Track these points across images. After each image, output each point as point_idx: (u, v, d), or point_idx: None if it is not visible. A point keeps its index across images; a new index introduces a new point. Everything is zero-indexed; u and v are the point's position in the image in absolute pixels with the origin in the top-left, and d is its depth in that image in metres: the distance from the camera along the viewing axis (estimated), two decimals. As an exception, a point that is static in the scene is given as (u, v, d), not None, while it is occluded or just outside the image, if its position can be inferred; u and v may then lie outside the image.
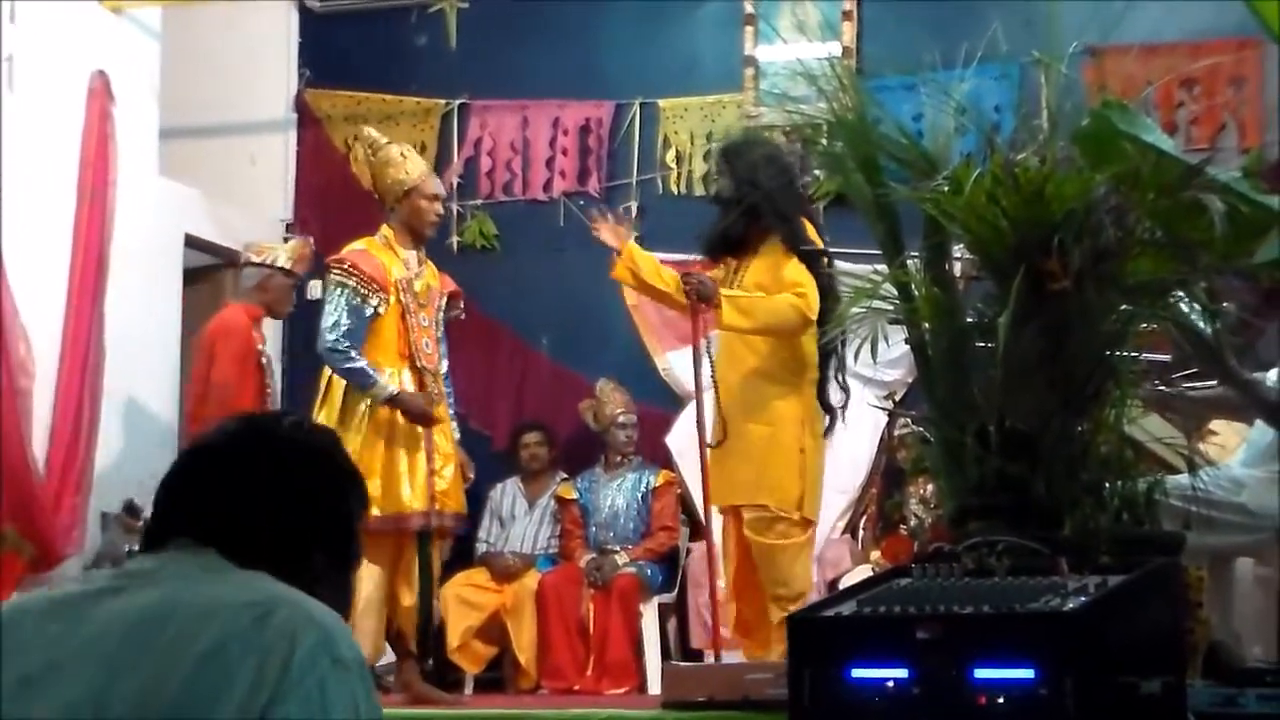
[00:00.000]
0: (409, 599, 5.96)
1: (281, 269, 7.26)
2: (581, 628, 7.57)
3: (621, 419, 7.97)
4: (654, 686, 6.95)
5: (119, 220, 7.69)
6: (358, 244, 6.12)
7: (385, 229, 6.16)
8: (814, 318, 5.51)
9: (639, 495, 7.89)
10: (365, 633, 5.79)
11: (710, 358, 5.87)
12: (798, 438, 5.61)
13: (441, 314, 6.19)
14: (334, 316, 5.89)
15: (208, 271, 8.91)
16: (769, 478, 5.62)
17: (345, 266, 5.96)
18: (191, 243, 8.48)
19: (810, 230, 5.70)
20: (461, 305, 6.34)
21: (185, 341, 8.01)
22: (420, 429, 5.91)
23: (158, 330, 8.13)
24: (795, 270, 5.58)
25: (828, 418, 5.72)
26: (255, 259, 7.31)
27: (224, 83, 9.10)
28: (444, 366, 6.19)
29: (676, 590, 7.85)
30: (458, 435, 6.26)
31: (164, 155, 8.37)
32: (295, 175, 9.25)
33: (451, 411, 6.21)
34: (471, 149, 8.96)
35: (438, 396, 6.00)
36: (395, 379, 5.89)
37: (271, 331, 8.01)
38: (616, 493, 7.91)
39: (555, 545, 8.01)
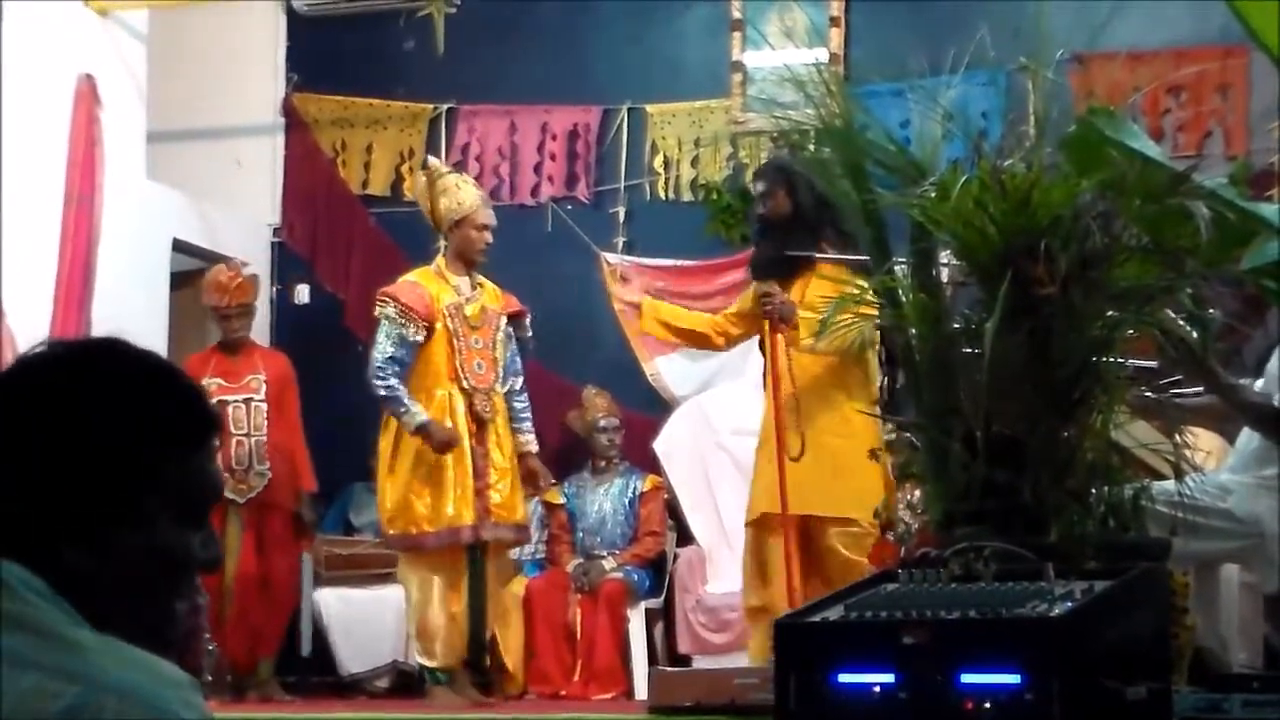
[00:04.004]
0: (457, 609, 6.30)
1: (209, 307, 7.47)
2: (568, 633, 7.57)
3: (603, 423, 7.97)
4: (641, 692, 6.95)
5: (106, 224, 7.67)
6: (410, 274, 6.51)
7: (439, 257, 6.51)
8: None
9: (626, 500, 7.90)
10: (435, 633, 6.28)
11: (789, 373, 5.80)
12: (872, 449, 5.60)
13: (501, 334, 6.47)
14: (378, 345, 6.29)
15: (195, 276, 8.88)
16: (856, 491, 5.55)
17: (385, 298, 6.33)
18: (179, 247, 8.47)
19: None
20: (527, 323, 6.67)
21: (172, 345, 7.99)
22: (473, 445, 6.26)
23: (145, 335, 8.03)
24: None
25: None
26: None
27: (211, 86, 9.09)
28: (515, 383, 6.53)
29: (664, 595, 7.85)
30: (535, 447, 6.57)
31: (151, 159, 8.36)
32: (283, 179, 9.25)
33: (530, 429, 6.55)
34: (459, 154, 8.96)
35: (489, 414, 6.31)
36: (444, 401, 6.26)
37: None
38: (604, 498, 7.92)
39: (542, 550, 8.01)
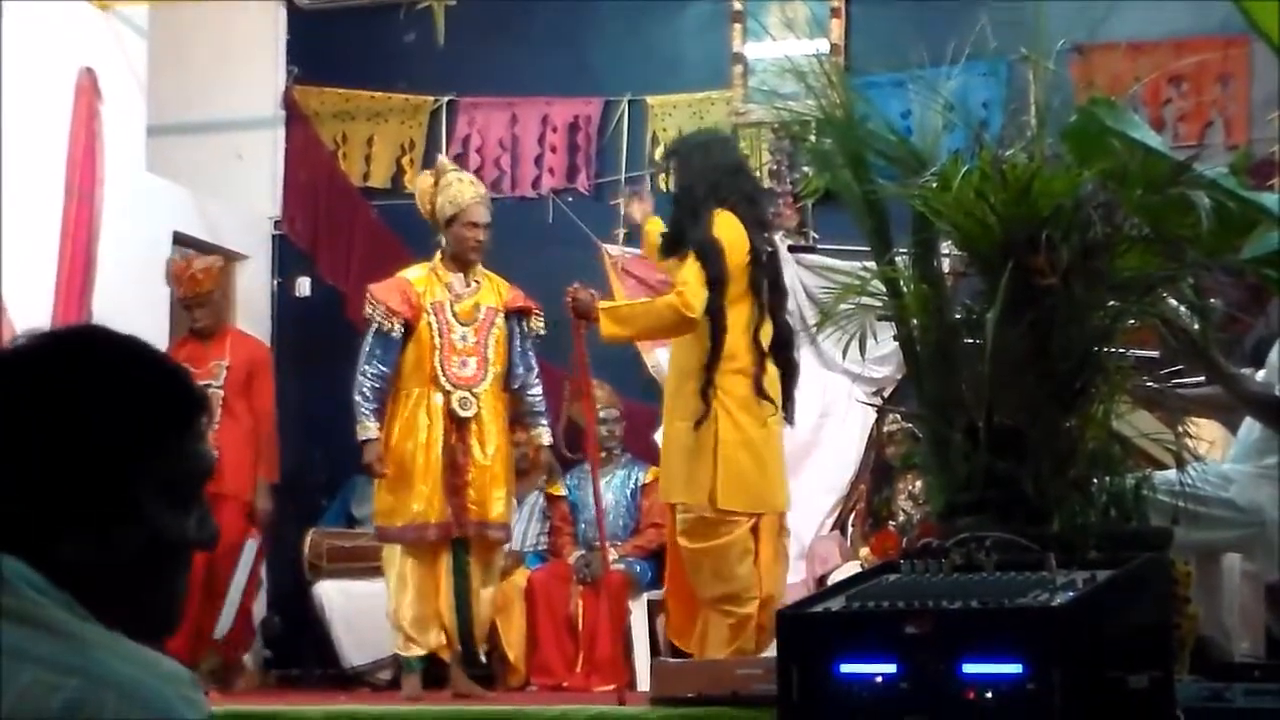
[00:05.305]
0: (440, 605, 6.34)
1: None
2: (570, 624, 7.57)
3: (603, 414, 7.96)
4: (643, 683, 6.95)
5: (107, 218, 7.67)
6: (406, 270, 6.56)
7: (438, 253, 6.53)
8: (693, 314, 5.52)
9: (628, 492, 7.89)
10: (406, 624, 6.30)
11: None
12: (713, 431, 5.60)
13: (496, 331, 6.47)
14: (362, 348, 6.38)
15: (196, 269, 8.88)
16: (683, 473, 5.66)
17: (369, 295, 6.41)
18: (179, 240, 8.46)
19: (725, 225, 5.63)
20: (536, 318, 6.63)
21: (173, 338, 7.99)
22: (454, 441, 6.29)
23: (146, 329, 8.02)
24: (688, 268, 5.59)
25: (771, 406, 5.66)
26: None
27: (212, 79, 9.08)
28: (528, 378, 6.55)
29: (665, 587, 7.85)
30: (548, 440, 6.60)
31: (151, 152, 8.35)
32: (283, 172, 9.23)
33: (545, 422, 6.59)
34: (460, 146, 8.95)
35: (469, 412, 6.33)
36: (421, 398, 6.32)
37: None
38: (605, 489, 7.91)
39: (544, 542, 8.02)
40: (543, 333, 6.65)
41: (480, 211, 6.46)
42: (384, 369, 6.31)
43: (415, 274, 6.47)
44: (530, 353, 6.60)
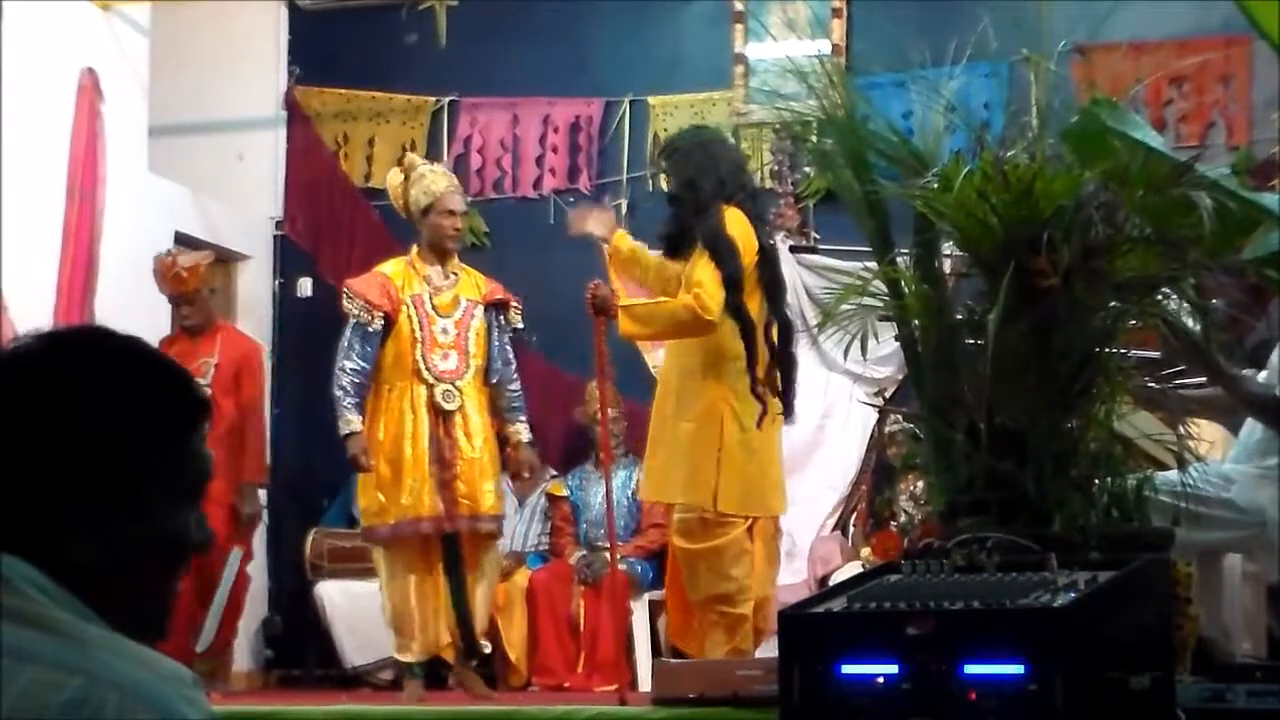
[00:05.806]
0: (436, 603, 6.31)
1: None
2: (572, 625, 7.58)
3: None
4: (644, 683, 6.95)
5: (108, 218, 7.67)
6: (383, 264, 6.49)
7: (414, 247, 6.47)
8: (711, 316, 5.44)
9: (629, 492, 7.88)
10: (406, 628, 6.28)
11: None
12: (717, 432, 5.55)
13: (477, 323, 6.39)
14: (341, 344, 6.27)
15: (197, 269, 8.87)
16: (684, 474, 5.59)
17: (346, 290, 6.34)
18: (181, 240, 8.45)
19: (735, 222, 5.58)
20: (514, 311, 6.55)
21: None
22: (440, 436, 6.22)
23: (147, 329, 8.05)
24: (701, 268, 5.52)
25: (774, 404, 5.61)
26: None
27: (213, 80, 9.08)
28: (506, 373, 6.47)
29: (666, 587, 7.85)
30: (526, 437, 6.52)
31: (153, 153, 8.36)
32: (285, 173, 9.24)
33: (523, 419, 6.51)
34: (461, 146, 8.97)
35: (453, 405, 6.27)
36: (404, 392, 6.24)
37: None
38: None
39: (545, 543, 8.02)
40: (519, 326, 6.59)
41: (456, 200, 6.44)
42: (364, 364, 6.22)
43: (392, 268, 6.41)
44: (509, 347, 6.53)
